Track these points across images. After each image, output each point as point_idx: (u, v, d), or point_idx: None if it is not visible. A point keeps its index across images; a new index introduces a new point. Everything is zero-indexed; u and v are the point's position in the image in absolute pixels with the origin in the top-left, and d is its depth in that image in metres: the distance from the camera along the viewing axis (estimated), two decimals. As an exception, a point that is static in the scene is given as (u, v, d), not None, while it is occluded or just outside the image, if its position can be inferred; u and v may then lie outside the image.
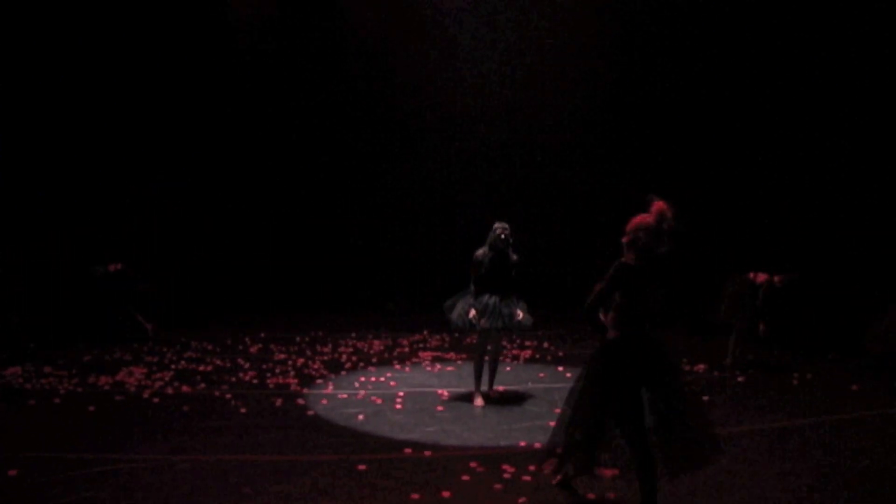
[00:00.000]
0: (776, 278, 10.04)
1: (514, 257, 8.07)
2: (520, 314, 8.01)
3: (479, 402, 8.18)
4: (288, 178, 16.47)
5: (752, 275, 10.21)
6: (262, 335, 12.39)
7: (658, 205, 4.80)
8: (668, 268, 4.92)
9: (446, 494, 5.30)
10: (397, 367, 10.19)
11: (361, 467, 5.85)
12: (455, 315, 8.11)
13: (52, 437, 6.63)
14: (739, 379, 9.57)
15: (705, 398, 8.35)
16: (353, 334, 12.62)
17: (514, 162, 16.74)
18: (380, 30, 16.14)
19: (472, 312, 7.95)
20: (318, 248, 16.14)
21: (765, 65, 13.46)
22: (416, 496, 5.24)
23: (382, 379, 9.37)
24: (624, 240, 4.90)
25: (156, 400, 8.06)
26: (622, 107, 15.73)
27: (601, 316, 4.96)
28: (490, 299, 7.95)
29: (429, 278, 10.68)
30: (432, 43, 16.52)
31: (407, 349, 11.48)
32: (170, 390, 8.50)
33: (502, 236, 7.96)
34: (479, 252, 8.05)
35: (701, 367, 10.20)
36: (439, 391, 8.68)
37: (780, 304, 10.22)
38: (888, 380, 9.41)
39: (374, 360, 10.61)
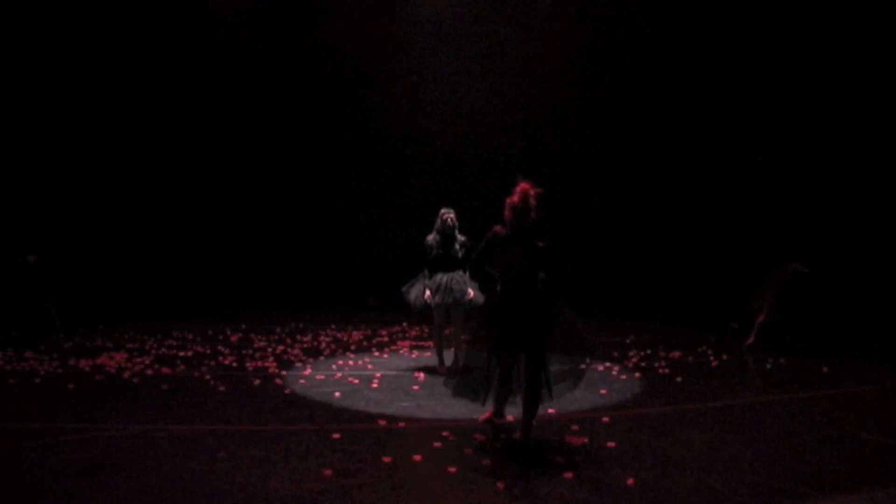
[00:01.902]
0: (802, 267, 10.60)
1: (462, 238, 8.70)
2: (471, 292, 8.57)
3: (442, 370, 8.72)
4: (274, 177, 16.58)
5: (791, 264, 10.67)
6: (243, 326, 12.47)
7: (522, 185, 5.79)
8: (545, 235, 5.85)
9: (417, 458, 5.42)
10: (376, 353, 10.30)
11: (336, 436, 5.96)
12: (412, 297, 8.89)
13: (31, 410, 6.72)
14: (714, 363, 9.70)
15: (678, 379, 8.52)
16: (333, 325, 12.71)
17: (499, 162, 16.88)
18: (363, 33, 16.29)
19: (427, 293, 8.57)
20: (302, 246, 16.26)
21: (787, 54, 13.41)
22: (387, 459, 5.35)
23: (360, 363, 9.48)
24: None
25: (135, 380, 8.14)
26: (621, 101, 16.02)
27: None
28: (442, 278, 8.56)
29: (410, 275, 10.79)
30: (413, 44, 16.73)
31: (386, 339, 11.58)
32: (149, 372, 8.57)
33: (448, 221, 8.64)
34: (429, 237, 8.72)
35: (676, 353, 10.33)
36: (416, 373, 8.79)
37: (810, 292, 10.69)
38: (859, 363, 9.63)
39: (352, 347, 10.73)
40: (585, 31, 16.04)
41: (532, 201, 5.78)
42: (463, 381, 6.31)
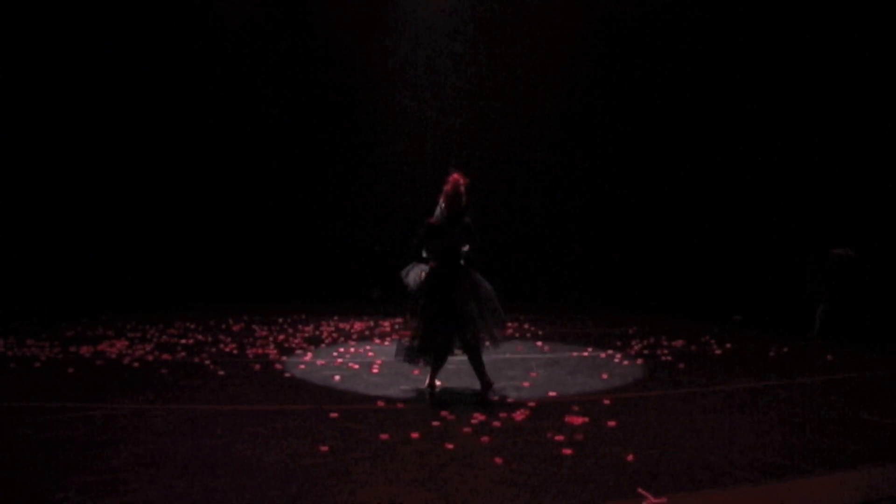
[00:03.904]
0: (849, 252, 10.48)
1: None
2: None
3: None
4: (280, 171, 16.61)
5: (833, 251, 10.56)
6: (245, 317, 12.47)
7: (453, 176, 6.63)
8: (470, 219, 6.70)
9: (415, 435, 5.37)
10: (377, 342, 10.29)
11: (334, 415, 5.93)
12: (411, 280, 8.62)
13: (29, 392, 6.72)
14: (717, 352, 9.65)
15: (681, 366, 8.47)
16: (336, 317, 12.70)
17: (498, 156, 16.89)
18: (361, 30, 16.32)
19: (423, 275, 8.37)
20: (306, 240, 16.28)
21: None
22: (384, 436, 5.31)
23: (361, 350, 9.46)
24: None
25: (135, 364, 8.13)
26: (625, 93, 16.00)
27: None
28: None
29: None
30: (412, 41, 16.76)
31: (388, 329, 11.57)
32: (150, 357, 8.57)
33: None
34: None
35: (679, 342, 10.30)
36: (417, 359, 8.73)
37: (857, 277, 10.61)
38: (862, 352, 9.59)
39: (354, 336, 10.73)
40: (588, 28, 16.07)
41: (461, 189, 6.63)
42: (408, 348, 6.93)
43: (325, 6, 16.49)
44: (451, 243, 6.67)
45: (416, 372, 7.99)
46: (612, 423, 5.78)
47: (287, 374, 7.74)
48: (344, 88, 16.64)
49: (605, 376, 7.84)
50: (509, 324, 12.19)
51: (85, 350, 8.93)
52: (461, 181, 6.66)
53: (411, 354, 6.85)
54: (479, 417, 5.93)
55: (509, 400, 6.56)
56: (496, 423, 5.77)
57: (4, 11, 12.87)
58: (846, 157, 12.38)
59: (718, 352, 9.67)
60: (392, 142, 16.71)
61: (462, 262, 6.78)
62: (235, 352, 9.16)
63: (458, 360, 8.61)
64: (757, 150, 14.10)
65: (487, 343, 6.75)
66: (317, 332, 10.94)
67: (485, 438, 5.33)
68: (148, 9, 15.16)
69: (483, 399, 6.62)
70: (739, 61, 14.26)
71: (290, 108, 16.68)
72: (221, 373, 7.73)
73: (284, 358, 8.73)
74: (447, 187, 6.66)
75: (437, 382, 7.03)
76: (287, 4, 16.65)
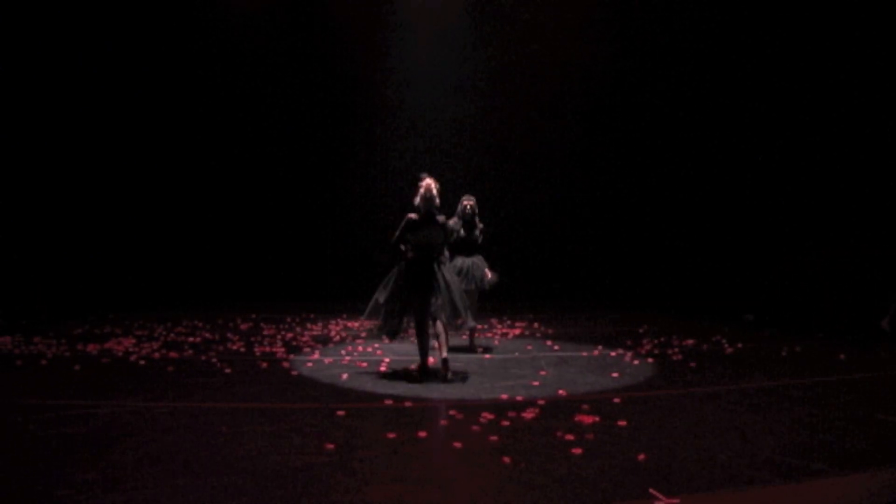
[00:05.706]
0: None
1: (480, 225, 9.23)
2: (488, 274, 9.22)
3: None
4: (290, 170, 16.59)
5: None
6: (254, 315, 12.43)
7: (427, 181, 7.41)
8: (445, 218, 7.58)
9: (422, 434, 5.30)
10: (385, 340, 10.14)
11: (340, 413, 5.86)
12: None
13: (34, 389, 6.69)
14: (728, 351, 9.55)
15: (692, 365, 8.37)
16: (344, 315, 12.65)
17: (505, 152, 16.83)
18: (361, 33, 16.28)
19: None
20: (315, 238, 16.26)
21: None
22: (392, 435, 5.24)
23: (370, 349, 9.41)
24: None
25: (142, 362, 8.09)
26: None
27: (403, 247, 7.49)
28: (463, 263, 9.00)
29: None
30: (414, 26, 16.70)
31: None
32: (156, 355, 8.53)
33: (468, 208, 9.16)
34: (451, 221, 8.91)
35: (690, 341, 10.21)
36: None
37: None
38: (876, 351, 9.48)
39: (362, 335, 10.66)
40: (596, 26, 16.00)
41: (434, 191, 7.38)
42: (382, 323, 7.63)
43: (324, 4, 16.42)
44: (426, 239, 7.36)
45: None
46: (622, 423, 5.69)
47: (294, 373, 7.69)
48: (348, 87, 16.59)
49: (615, 375, 7.76)
50: (518, 322, 12.16)
51: (92, 348, 8.91)
52: (433, 185, 7.39)
53: (382, 324, 7.64)
54: (487, 416, 5.84)
55: (518, 398, 6.48)
56: (505, 423, 5.69)
57: (4, 11, 12.85)
58: (857, 153, 12.26)
59: (730, 351, 9.56)
60: (397, 139, 16.64)
61: (438, 257, 7.54)
62: (243, 350, 9.12)
63: (464, 357, 8.67)
64: (767, 147, 14.00)
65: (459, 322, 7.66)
66: (325, 331, 10.89)
67: (493, 437, 5.25)
68: (148, 8, 15.12)
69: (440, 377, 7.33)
70: (756, 51, 14.14)
71: (295, 107, 16.64)
72: (228, 371, 7.69)
73: (292, 356, 8.68)
74: (421, 190, 7.38)
75: (431, 360, 7.72)
76: (286, 4, 16.60)
